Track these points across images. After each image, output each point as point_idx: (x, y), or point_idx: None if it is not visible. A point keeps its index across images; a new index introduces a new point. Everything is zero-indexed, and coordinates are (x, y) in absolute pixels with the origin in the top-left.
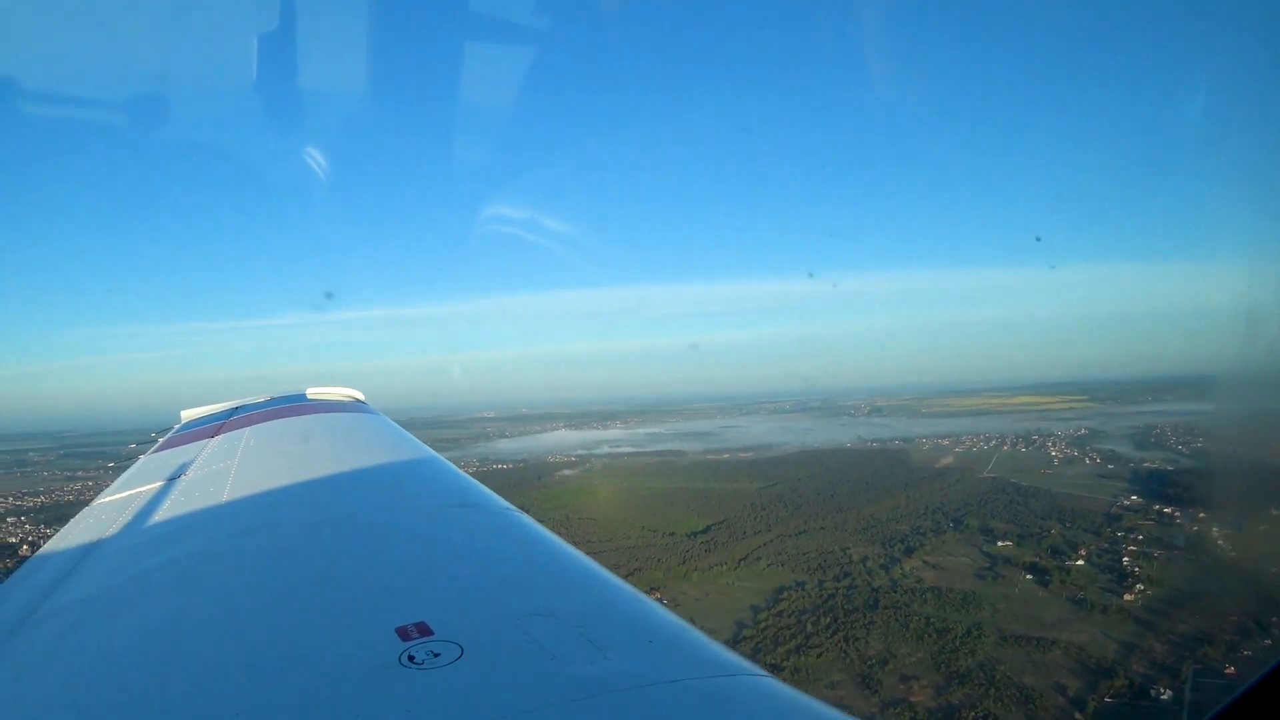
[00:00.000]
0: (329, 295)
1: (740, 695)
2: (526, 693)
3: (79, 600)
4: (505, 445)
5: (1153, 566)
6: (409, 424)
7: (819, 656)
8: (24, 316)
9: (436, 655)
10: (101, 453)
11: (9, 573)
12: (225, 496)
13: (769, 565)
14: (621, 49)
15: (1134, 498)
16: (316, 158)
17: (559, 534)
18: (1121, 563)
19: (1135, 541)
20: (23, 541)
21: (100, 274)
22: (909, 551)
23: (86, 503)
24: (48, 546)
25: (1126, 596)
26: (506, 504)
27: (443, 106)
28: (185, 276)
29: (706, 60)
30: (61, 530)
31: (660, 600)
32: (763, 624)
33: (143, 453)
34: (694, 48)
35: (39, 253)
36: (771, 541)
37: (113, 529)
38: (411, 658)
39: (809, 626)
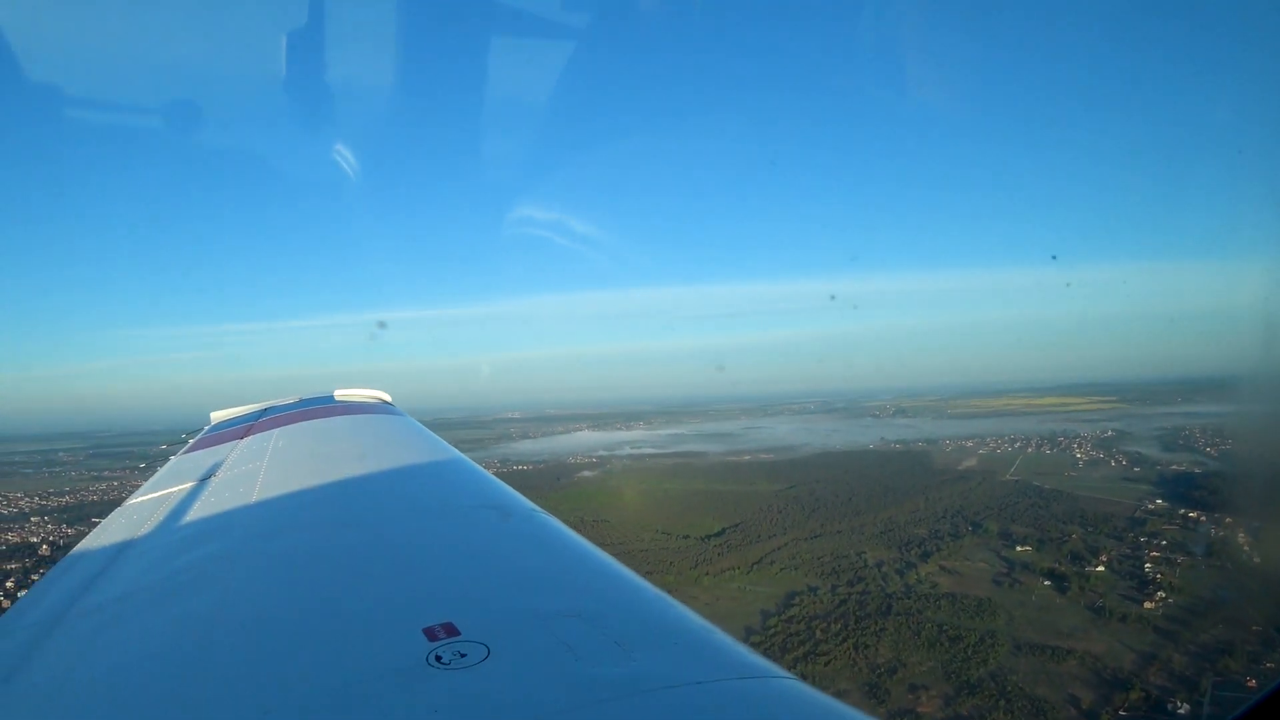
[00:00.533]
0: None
1: (765, 697)
2: (553, 693)
3: (112, 599)
4: (528, 446)
5: (1175, 573)
6: (435, 424)
7: (827, 664)
8: (60, 318)
9: (463, 656)
10: (129, 453)
11: (28, 572)
12: (255, 497)
13: (782, 569)
14: (651, 47)
15: (1159, 501)
16: (344, 155)
17: None
18: (1143, 569)
19: (1158, 547)
20: (43, 541)
21: (134, 276)
22: (925, 556)
23: (110, 503)
24: (82, 545)
25: (1147, 604)
26: (533, 505)
27: (468, 109)
28: (216, 278)
29: (734, 63)
30: (95, 529)
31: None
32: (771, 630)
33: (173, 453)
34: (725, 49)
35: (77, 255)
36: (786, 545)
37: (145, 528)
38: (438, 658)
39: (818, 633)
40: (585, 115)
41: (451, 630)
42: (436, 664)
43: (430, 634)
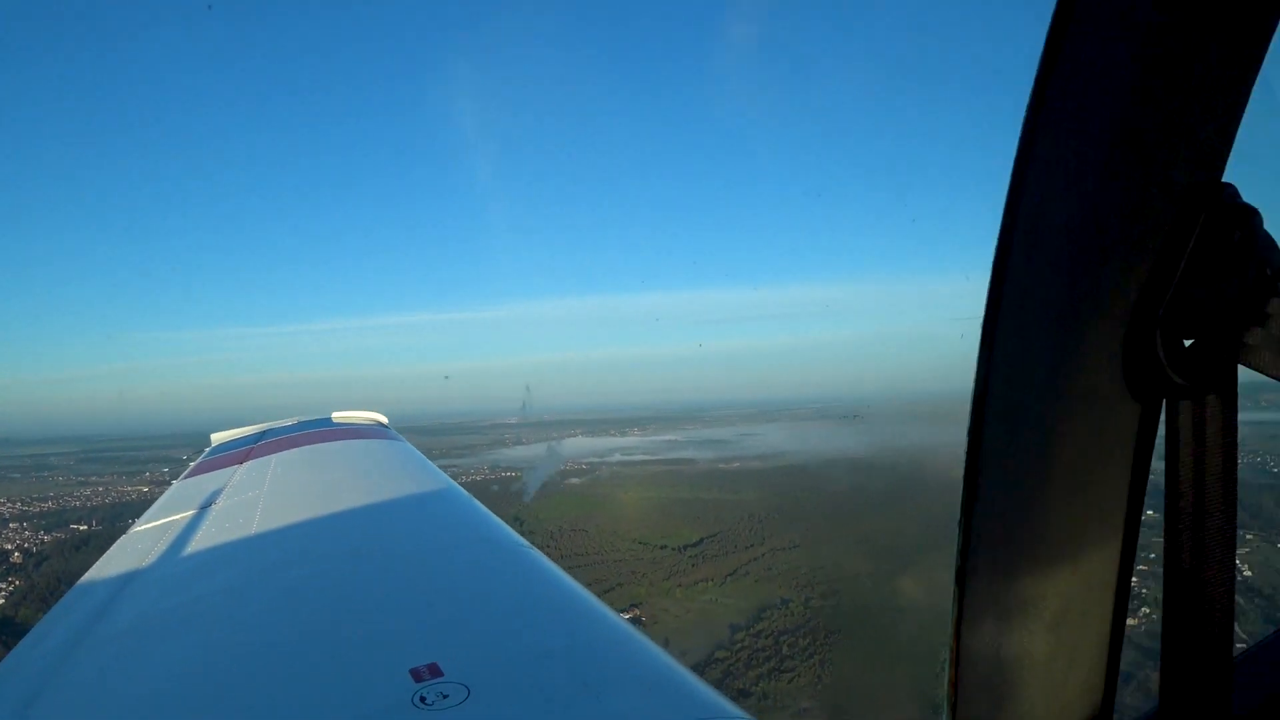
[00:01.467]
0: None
1: None
2: None
3: (119, 633)
4: (520, 452)
5: (1161, 587)
6: (433, 430)
7: (790, 681)
8: (69, 320)
9: (445, 696)
10: (118, 457)
11: None
12: (254, 529)
13: (757, 581)
14: (692, 40)
15: (1150, 513)
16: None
17: (549, 546)
18: (1129, 582)
19: (1145, 560)
20: (16, 549)
21: (148, 280)
22: (905, 567)
23: (93, 509)
24: (89, 575)
25: (1130, 620)
26: (520, 539)
27: (479, 110)
28: (233, 281)
29: (750, 66)
30: (102, 558)
31: (640, 619)
32: (739, 645)
33: (175, 477)
34: (756, 49)
35: (105, 255)
36: (763, 555)
37: (149, 559)
38: (423, 699)
39: (785, 648)
40: (589, 111)
41: (436, 671)
42: (421, 705)
43: (416, 675)
